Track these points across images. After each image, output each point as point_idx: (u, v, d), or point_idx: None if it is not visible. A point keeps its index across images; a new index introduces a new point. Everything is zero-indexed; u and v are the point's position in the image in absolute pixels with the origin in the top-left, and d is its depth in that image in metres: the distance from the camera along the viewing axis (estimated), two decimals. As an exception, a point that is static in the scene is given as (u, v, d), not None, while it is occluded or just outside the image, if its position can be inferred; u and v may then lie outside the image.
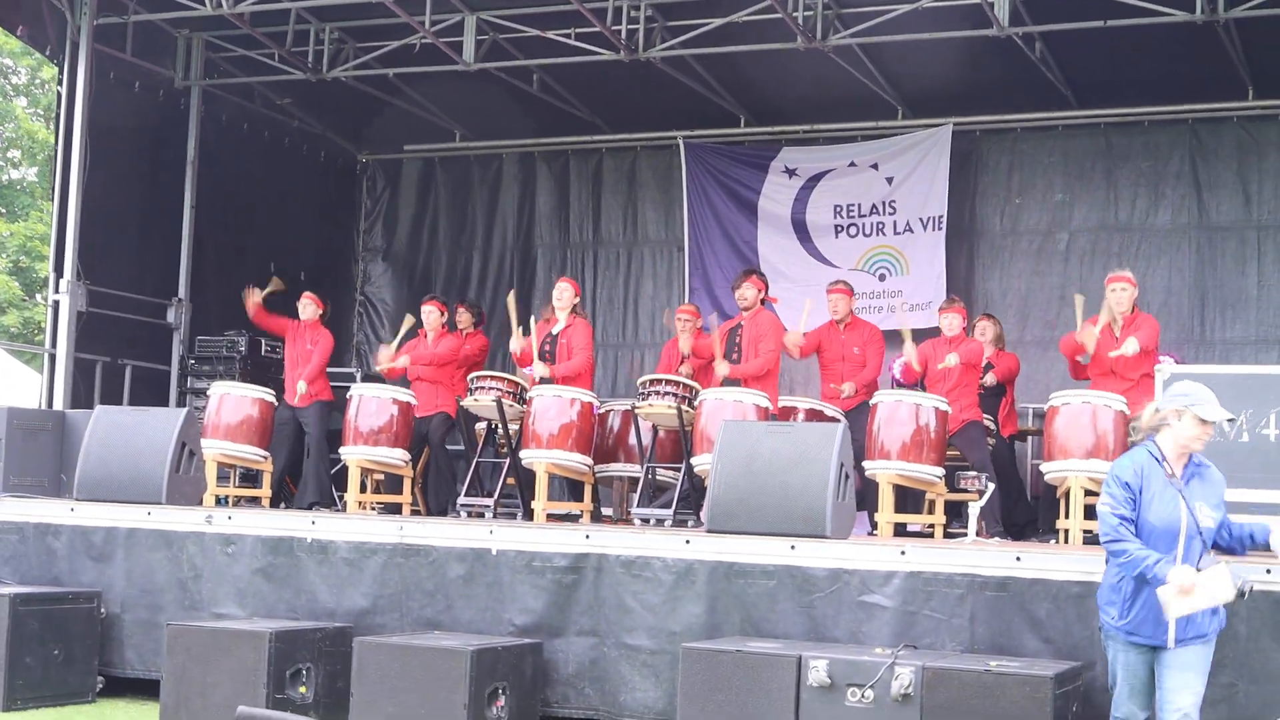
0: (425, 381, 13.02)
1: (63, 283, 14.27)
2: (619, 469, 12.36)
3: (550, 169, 17.75)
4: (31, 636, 9.66)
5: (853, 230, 15.98)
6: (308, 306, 13.51)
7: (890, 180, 15.75)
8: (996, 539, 10.64)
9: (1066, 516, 10.54)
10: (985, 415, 12.00)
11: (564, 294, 12.44)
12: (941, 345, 11.77)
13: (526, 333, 12.45)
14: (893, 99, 15.69)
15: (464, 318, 13.99)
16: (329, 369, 13.76)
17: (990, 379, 12.33)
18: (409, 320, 13.46)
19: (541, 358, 12.26)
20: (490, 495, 11.98)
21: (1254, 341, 14.60)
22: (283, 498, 13.50)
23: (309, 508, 12.63)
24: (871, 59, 14.72)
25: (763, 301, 12.06)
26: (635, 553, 8.96)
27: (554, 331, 12.36)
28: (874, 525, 11.00)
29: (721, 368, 11.68)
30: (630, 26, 14.22)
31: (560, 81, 16.06)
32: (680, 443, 11.54)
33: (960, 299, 12.56)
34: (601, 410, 12.38)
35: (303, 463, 13.37)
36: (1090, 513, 10.76)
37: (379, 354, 13.66)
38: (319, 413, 13.28)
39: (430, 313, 13.23)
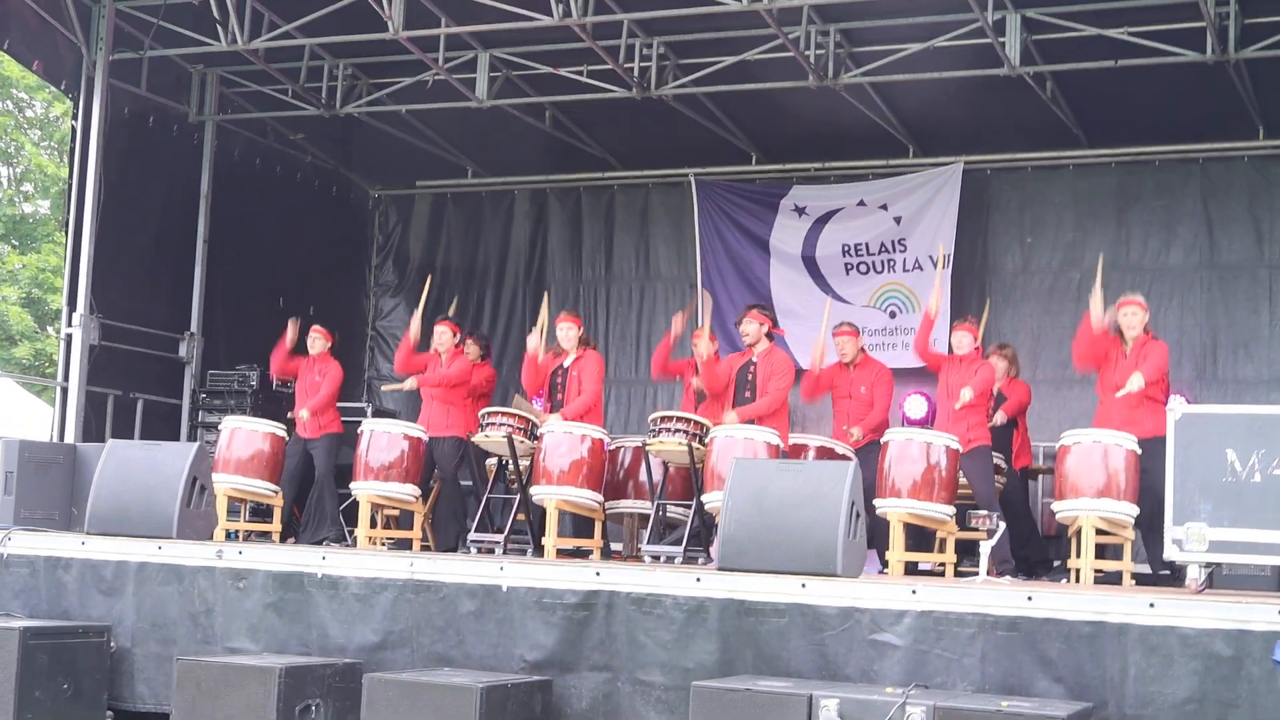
0: (437, 401, 12.99)
1: (75, 316, 14.32)
2: (629, 505, 12.33)
3: (562, 205, 17.79)
4: (40, 670, 9.62)
5: (863, 268, 16.01)
6: (316, 340, 13.54)
7: (899, 220, 15.77)
8: (1008, 578, 10.62)
9: (1078, 556, 10.52)
10: (996, 453, 11.97)
11: (569, 334, 12.43)
12: (953, 363, 11.72)
13: (543, 335, 12.51)
14: (904, 137, 15.73)
15: (472, 350, 14.00)
16: (340, 403, 13.78)
17: (1000, 417, 12.29)
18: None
19: (553, 391, 12.27)
20: (500, 531, 11.97)
21: (1266, 381, 14.58)
22: (292, 529, 13.50)
23: (320, 543, 12.64)
24: (883, 97, 14.77)
25: (769, 336, 12.04)
26: (646, 590, 8.93)
27: (565, 365, 12.37)
28: (884, 563, 10.98)
29: (729, 416, 11.65)
30: (643, 64, 14.30)
31: (573, 118, 16.13)
32: (691, 480, 11.53)
33: (974, 318, 12.52)
34: (612, 447, 12.37)
35: (309, 494, 13.39)
36: (1101, 552, 10.78)
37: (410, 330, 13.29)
38: (328, 446, 13.32)
39: (443, 333, 13.17)
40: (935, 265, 15.45)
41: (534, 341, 12.43)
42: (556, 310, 13.99)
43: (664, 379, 13.54)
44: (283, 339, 13.63)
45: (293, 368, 13.66)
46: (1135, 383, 10.64)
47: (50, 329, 28.87)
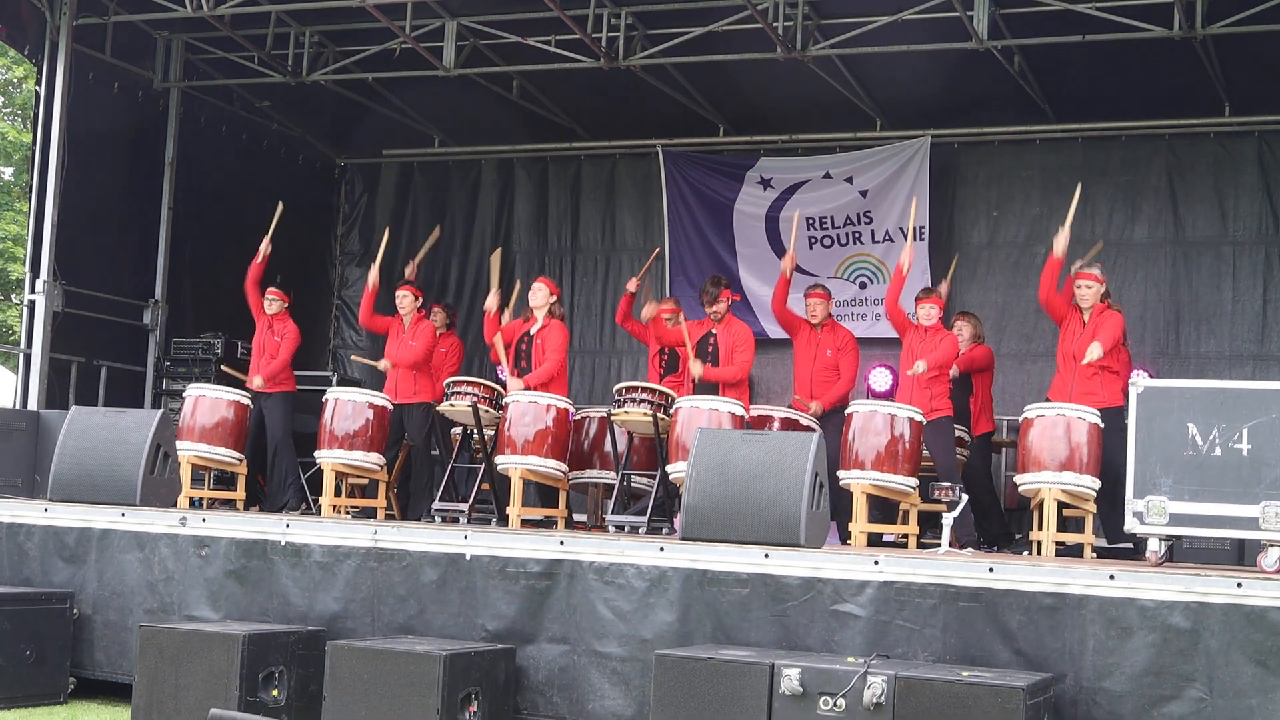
0: (403, 369, 12.97)
1: (39, 283, 14.23)
2: (594, 475, 12.36)
3: (529, 175, 17.76)
4: (3, 637, 9.60)
5: (826, 241, 16.02)
6: (273, 302, 13.52)
7: (864, 193, 15.77)
8: (970, 549, 10.68)
9: (1040, 528, 10.57)
10: (958, 425, 12.03)
11: (538, 294, 12.42)
12: (917, 332, 11.79)
13: (502, 300, 12.50)
14: (871, 110, 15.73)
15: (438, 318, 13.99)
16: (305, 371, 13.75)
17: (953, 371, 12.23)
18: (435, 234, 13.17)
19: (518, 358, 12.26)
20: (465, 500, 11.98)
21: (1228, 356, 14.67)
22: (256, 496, 13.48)
23: (282, 509, 12.62)
24: (851, 70, 14.77)
25: (731, 309, 12.14)
26: (609, 559, 8.96)
27: (530, 332, 12.36)
28: (846, 535, 11.02)
29: (695, 368, 11.75)
30: (611, 34, 14.25)
31: (540, 88, 16.08)
32: (655, 450, 11.55)
33: (938, 290, 12.56)
34: (577, 417, 12.39)
35: (267, 454, 13.36)
36: (1063, 525, 10.84)
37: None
38: (282, 404, 13.29)
39: (404, 297, 13.13)
40: (905, 237, 15.51)
41: (491, 301, 12.46)
42: (517, 273, 13.98)
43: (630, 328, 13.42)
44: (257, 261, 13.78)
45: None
46: (1094, 352, 10.73)
47: (13, 297, 28.73)
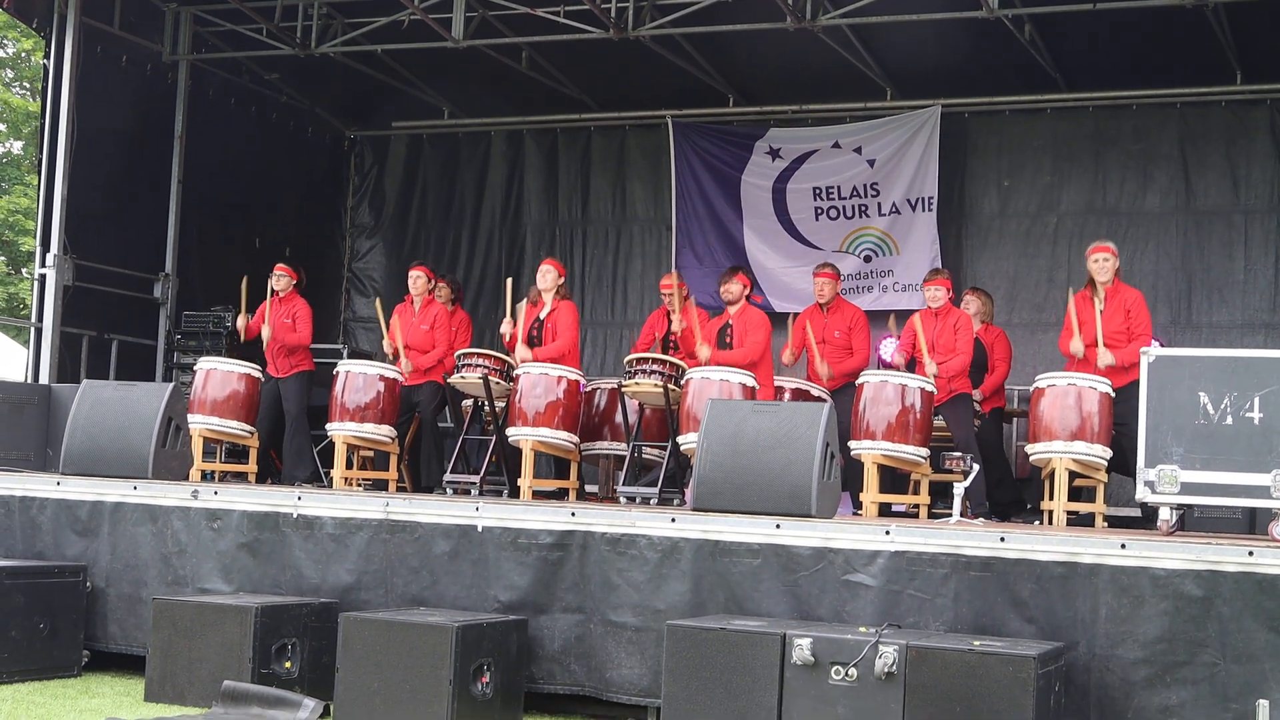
0: (413, 349, 12.97)
1: (49, 256, 14.25)
2: (605, 447, 12.37)
3: (539, 147, 17.73)
4: (17, 610, 9.63)
5: (833, 213, 15.97)
6: (281, 278, 13.48)
7: (872, 163, 15.73)
8: (981, 519, 10.68)
9: (1051, 498, 10.57)
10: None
11: (547, 276, 12.44)
12: (928, 317, 11.80)
13: (515, 319, 12.44)
14: (881, 80, 15.69)
15: (443, 292, 13.98)
16: (314, 344, 13.75)
17: (977, 395, 12.25)
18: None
19: (530, 341, 12.27)
20: (476, 472, 11.99)
21: (1239, 325, 14.64)
22: (269, 473, 13.51)
23: (294, 484, 12.64)
24: (860, 40, 14.72)
25: (747, 298, 12.08)
26: (621, 530, 8.96)
27: (541, 316, 12.38)
28: (858, 505, 11.03)
29: (703, 351, 11.69)
30: (620, 5, 14.22)
31: (549, 59, 16.05)
32: (666, 421, 11.55)
33: (946, 271, 12.55)
34: (588, 388, 12.39)
35: (284, 434, 13.38)
36: (1075, 494, 10.84)
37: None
38: (299, 384, 13.29)
39: (417, 278, 13.15)
40: (914, 209, 15.50)
41: (507, 327, 12.39)
42: (528, 246, 13.91)
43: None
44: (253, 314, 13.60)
45: (256, 325, 13.54)
46: (1105, 360, 10.76)
47: (24, 271, 28.78)
